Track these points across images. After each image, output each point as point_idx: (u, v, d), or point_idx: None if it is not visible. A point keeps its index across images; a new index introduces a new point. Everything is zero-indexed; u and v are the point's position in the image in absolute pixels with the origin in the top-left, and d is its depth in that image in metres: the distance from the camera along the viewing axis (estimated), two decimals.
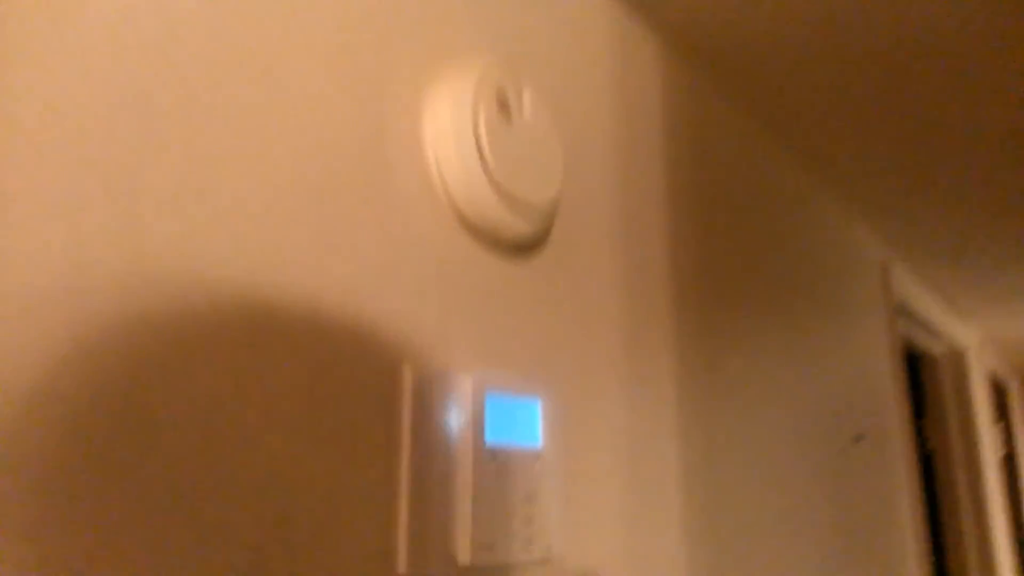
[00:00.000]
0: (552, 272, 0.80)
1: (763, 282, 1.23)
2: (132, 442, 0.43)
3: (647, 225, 0.97)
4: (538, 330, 0.76)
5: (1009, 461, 3.17)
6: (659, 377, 0.94)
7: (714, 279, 1.10)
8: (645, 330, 0.93)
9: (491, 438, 0.64)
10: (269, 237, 0.52)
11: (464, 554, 0.60)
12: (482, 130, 0.67)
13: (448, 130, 0.67)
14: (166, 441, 0.44)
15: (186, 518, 0.45)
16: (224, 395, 0.48)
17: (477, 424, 0.63)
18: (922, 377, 2.55)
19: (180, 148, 0.48)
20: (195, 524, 0.45)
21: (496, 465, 0.63)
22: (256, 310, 0.51)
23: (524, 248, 0.76)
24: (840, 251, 1.65)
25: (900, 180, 1.56)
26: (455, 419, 0.63)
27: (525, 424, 0.69)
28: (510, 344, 0.72)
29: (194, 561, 0.45)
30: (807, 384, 1.33)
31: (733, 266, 1.16)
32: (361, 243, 0.60)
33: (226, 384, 0.48)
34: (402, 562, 0.57)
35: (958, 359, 2.59)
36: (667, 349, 0.96)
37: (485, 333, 0.70)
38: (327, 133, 0.58)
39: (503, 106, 0.71)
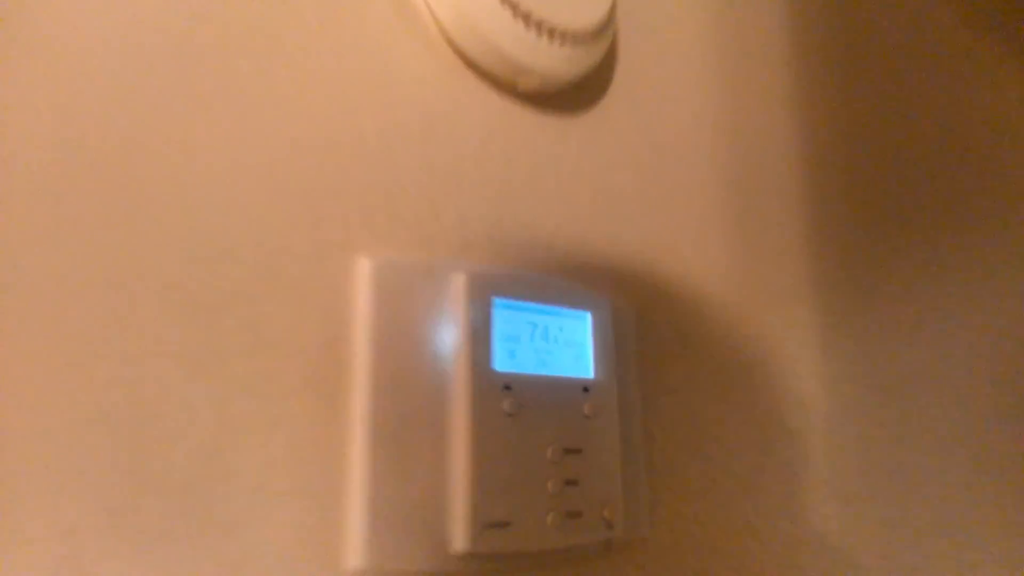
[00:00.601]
0: (605, 130, 0.57)
1: (932, 174, 0.93)
2: None
3: (760, 87, 0.72)
4: (582, 214, 0.53)
5: None
6: (787, 291, 0.68)
7: (862, 165, 0.82)
8: (761, 226, 0.68)
9: (503, 364, 0.43)
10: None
11: (461, 537, 0.40)
12: None
13: None
14: None
15: None
16: None
17: (477, 343, 0.42)
18: None
19: None
20: None
21: (512, 402, 0.42)
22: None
23: (558, 96, 0.54)
24: None
25: None
26: (444, 336, 0.43)
27: (564, 347, 0.47)
28: (536, 233, 0.50)
29: None
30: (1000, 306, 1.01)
31: (887, 150, 0.87)
32: (301, 82, 0.40)
33: None
34: (355, 551, 0.38)
35: None
36: (797, 253, 0.70)
37: (495, 216, 0.48)
38: None
39: None
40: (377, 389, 0.40)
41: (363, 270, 0.41)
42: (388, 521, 0.39)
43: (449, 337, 0.42)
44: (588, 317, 0.49)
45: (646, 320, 0.56)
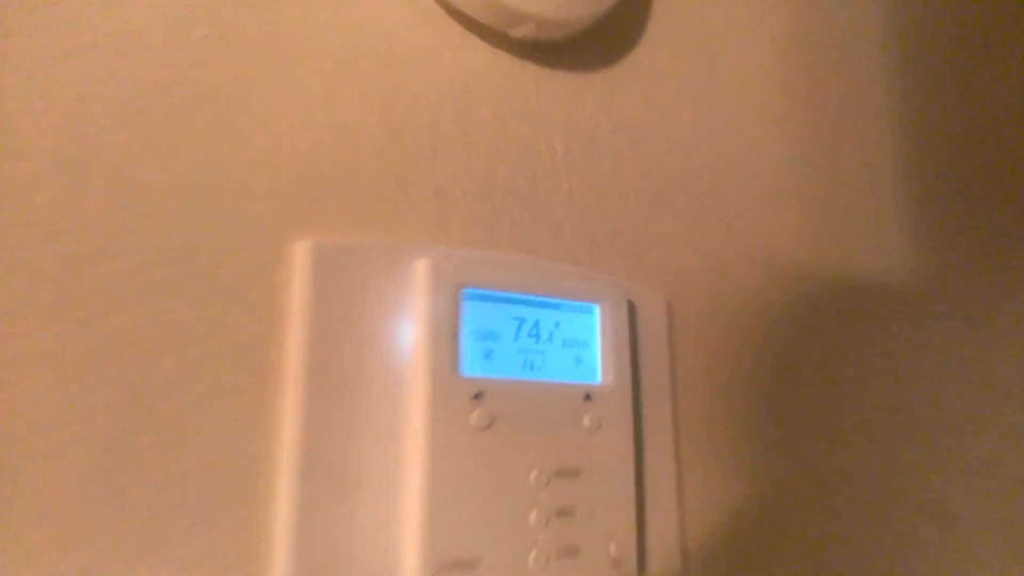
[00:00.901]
0: (635, 85, 0.48)
1: None
2: None
3: (846, 32, 0.60)
4: (600, 187, 0.45)
5: None
6: (871, 284, 0.57)
7: (970, 136, 0.69)
8: (841, 203, 0.57)
9: (474, 368, 0.36)
10: None
11: None
12: None
13: None
14: None
15: None
16: None
17: (439, 342, 0.35)
18: None
19: None
20: None
21: (483, 413, 0.35)
22: None
23: (573, 45, 0.46)
24: None
25: None
26: (400, 334, 0.35)
27: (561, 347, 0.39)
28: (536, 211, 0.42)
29: None
30: None
31: (999, 120, 0.72)
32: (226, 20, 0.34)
33: None
34: None
35: None
36: (887, 238, 0.59)
37: (482, 190, 0.41)
38: None
39: None
40: (311, 399, 0.33)
41: (298, 256, 0.34)
42: (320, 559, 0.32)
43: (407, 336, 0.35)
44: (595, 310, 0.40)
45: (683, 314, 0.46)
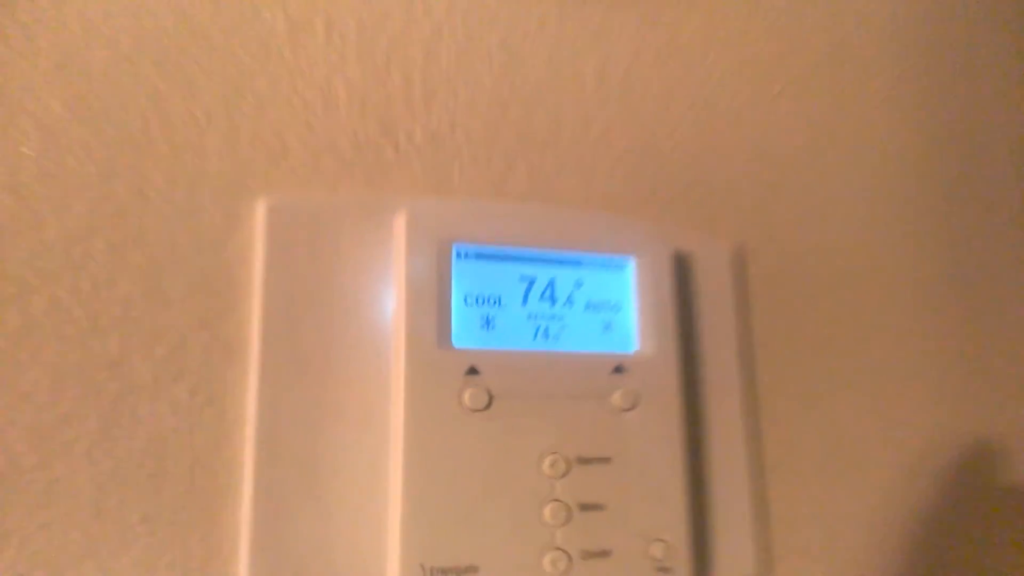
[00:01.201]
0: None
1: None
2: None
3: None
4: (647, 117, 0.38)
5: None
6: (991, 235, 0.46)
7: None
8: (963, 142, 0.46)
9: (468, 339, 0.30)
10: None
11: None
12: None
13: None
14: None
15: None
16: None
17: (422, 309, 0.29)
18: None
19: None
20: None
21: (478, 392, 0.29)
22: None
23: None
24: None
25: None
26: (380, 302, 0.30)
27: (585, 310, 0.33)
28: (562, 150, 0.36)
29: None
30: None
31: None
32: None
33: None
34: None
35: None
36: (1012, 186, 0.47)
37: (490, 132, 0.35)
38: None
39: None
40: (274, 380, 0.29)
41: (256, 216, 0.30)
42: (287, 564, 0.28)
43: (388, 304, 0.30)
44: (630, 265, 0.33)
45: (757, 266, 0.38)
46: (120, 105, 0.29)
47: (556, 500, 0.30)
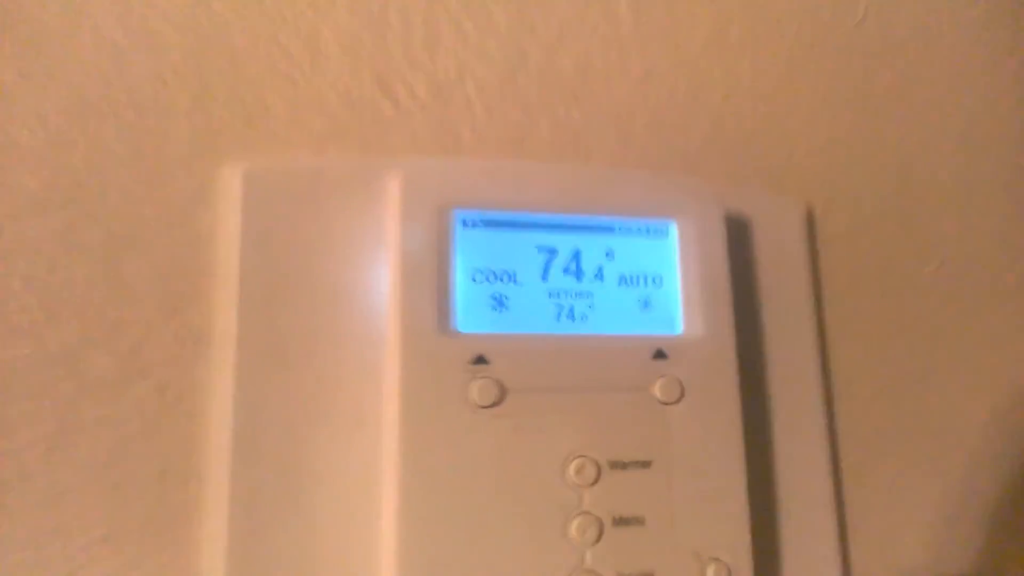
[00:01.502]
0: None
1: None
2: None
3: None
4: (695, 63, 0.32)
5: None
6: None
7: None
8: None
9: (475, 323, 0.25)
10: None
11: None
12: None
13: None
14: None
15: None
16: None
17: (418, 287, 0.25)
18: None
19: None
20: None
21: (488, 385, 0.25)
22: None
23: None
24: None
25: None
26: (369, 279, 0.26)
27: (617, 286, 0.27)
28: (595, 103, 0.31)
29: None
30: None
31: None
32: None
33: None
34: None
35: None
36: None
37: (496, 81, 0.30)
38: None
39: None
40: (247, 376, 0.25)
41: (231, 185, 0.26)
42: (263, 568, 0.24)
43: (382, 285, 0.26)
44: (672, 230, 0.28)
45: (826, 231, 0.32)
46: (76, 65, 0.25)
47: (585, 513, 0.25)
